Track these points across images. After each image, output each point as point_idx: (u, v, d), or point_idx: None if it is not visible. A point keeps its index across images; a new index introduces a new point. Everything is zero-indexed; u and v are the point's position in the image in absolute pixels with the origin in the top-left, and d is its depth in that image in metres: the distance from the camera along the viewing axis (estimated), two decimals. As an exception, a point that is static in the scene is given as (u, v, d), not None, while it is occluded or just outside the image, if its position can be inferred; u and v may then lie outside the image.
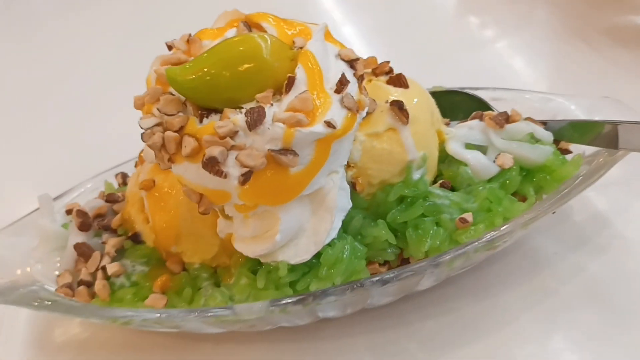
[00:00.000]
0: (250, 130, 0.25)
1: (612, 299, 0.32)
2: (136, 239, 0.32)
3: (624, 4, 0.55)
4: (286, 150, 0.26)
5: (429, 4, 0.64)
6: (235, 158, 0.25)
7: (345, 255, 0.28)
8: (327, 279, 0.28)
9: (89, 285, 0.31)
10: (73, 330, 0.36)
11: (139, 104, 0.29)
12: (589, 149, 0.34)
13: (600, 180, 0.32)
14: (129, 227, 0.33)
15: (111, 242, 0.32)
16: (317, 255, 0.29)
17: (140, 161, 0.34)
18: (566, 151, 0.34)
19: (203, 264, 0.31)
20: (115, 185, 0.38)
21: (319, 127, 0.26)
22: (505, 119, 0.33)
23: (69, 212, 0.36)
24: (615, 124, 0.33)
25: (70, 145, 0.52)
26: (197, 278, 0.31)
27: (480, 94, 0.39)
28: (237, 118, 0.26)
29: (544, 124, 0.35)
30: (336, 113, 0.26)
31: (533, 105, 0.37)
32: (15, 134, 0.57)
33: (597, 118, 0.35)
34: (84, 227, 0.33)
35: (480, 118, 0.34)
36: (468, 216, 0.30)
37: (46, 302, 0.31)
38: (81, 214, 0.33)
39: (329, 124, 0.26)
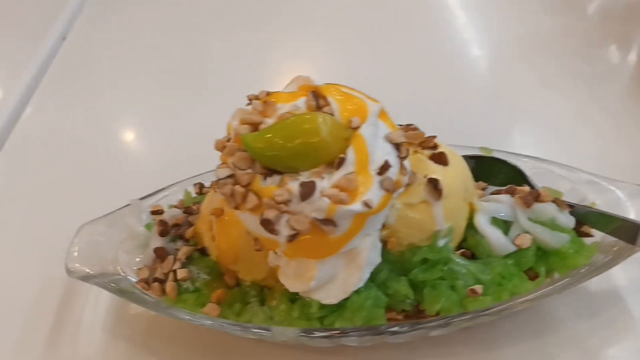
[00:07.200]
0: (301, 200, 0.31)
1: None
2: (203, 252, 0.39)
3: None
4: (327, 221, 0.31)
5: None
6: (287, 220, 0.31)
7: (368, 304, 0.34)
8: (349, 321, 0.34)
9: (162, 282, 0.39)
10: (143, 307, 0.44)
11: (219, 147, 0.35)
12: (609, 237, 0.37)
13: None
14: (199, 240, 0.40)
15: (183, 250, 0.39)
16: (346, 299, 0.34)
17: (213, 186, 0.40)
18: (587, 234, 0.38)
19: (253, 283, 0.37)
20: (193, 194, 0.44)
21: (357, 206, 0.31)
22: (535, 197, 0.37)
23: (153, 212, 0.43)
24: (637, 223, 0.36)
25: (162, 149, 0.61)
26: (247, 294, 0.37)
27: (527, 163, 0.42)
28: (292, 187, 0.31)
29: (572, 207, 0.38)
30: (375, 194, 0.31)
31: (574, 186, 0.40)
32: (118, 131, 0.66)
33: (629, 205, 0.38)
34: (163, 234, 0.40)
35: (512, 193, 0.38)
36: (479, 288, 0.34)
37: (127, 292, 0.38)
38: (162, 223, 0.40)
39: (366, 204, 0.31)
